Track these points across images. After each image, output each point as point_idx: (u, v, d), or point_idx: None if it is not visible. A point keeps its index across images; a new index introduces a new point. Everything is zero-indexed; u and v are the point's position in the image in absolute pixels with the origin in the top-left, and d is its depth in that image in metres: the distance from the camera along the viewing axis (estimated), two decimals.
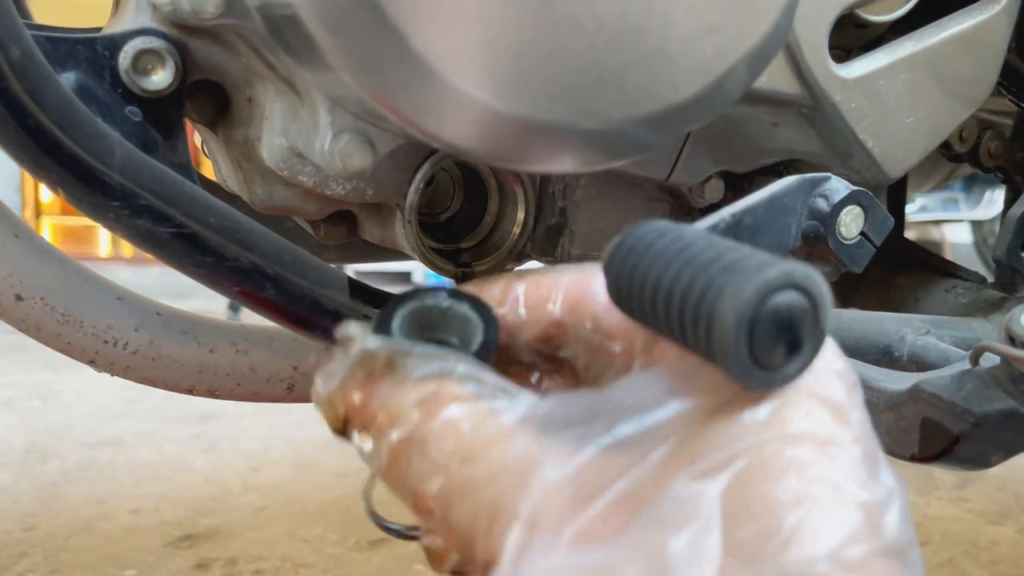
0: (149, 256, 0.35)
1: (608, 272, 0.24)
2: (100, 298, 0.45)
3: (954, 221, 3.29)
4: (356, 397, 0.25)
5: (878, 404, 0.37)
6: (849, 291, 0.53)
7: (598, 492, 0.21)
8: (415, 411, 0.24)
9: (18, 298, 0.43)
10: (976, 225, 3.35)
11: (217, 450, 1.39)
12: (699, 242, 0.22)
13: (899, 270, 0.51)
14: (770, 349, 0.20)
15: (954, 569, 0.96)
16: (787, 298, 0.20)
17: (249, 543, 1.01)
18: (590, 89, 0.27)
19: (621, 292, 0.23)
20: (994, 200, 3.07)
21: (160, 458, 1.34)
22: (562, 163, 0.28)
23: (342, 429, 0.26)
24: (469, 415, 0.23)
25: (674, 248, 0.22)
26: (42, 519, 1.07)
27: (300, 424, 1.56)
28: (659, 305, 0.22)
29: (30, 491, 1.18)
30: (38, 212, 5.07)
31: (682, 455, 0.21)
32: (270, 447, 1.41)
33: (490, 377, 0.25)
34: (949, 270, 0.51)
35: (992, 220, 3.12)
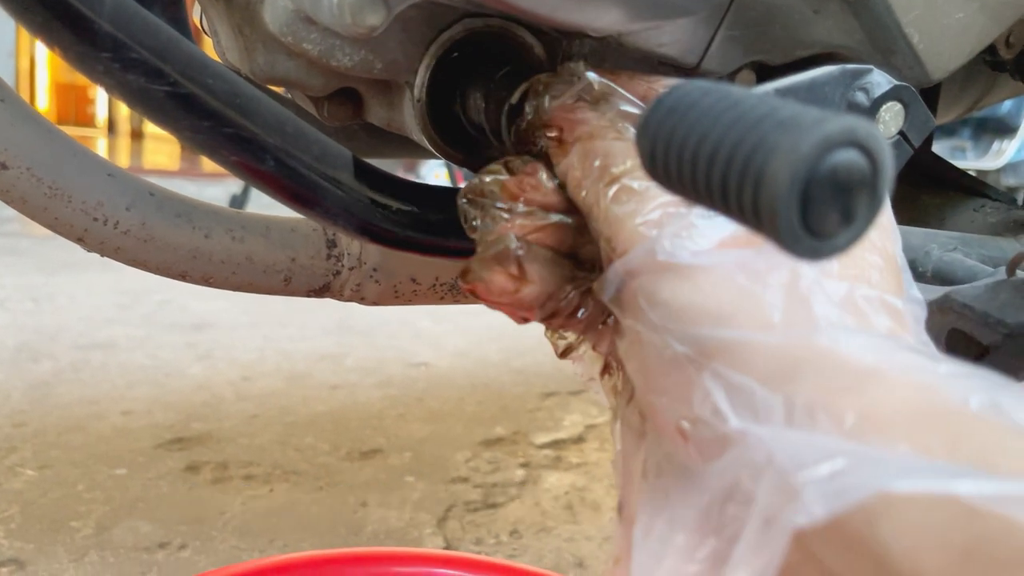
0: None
1: (643, 135, 0.22)
2: (90, 173, 0.43)
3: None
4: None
5: None
6: None
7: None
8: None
9: (3, 167, 0.41)
10: (983, 175, 3.32)
11: (211, 358, 1.38)
12: (749, 99, 0.20)
13: (924, 188, 0.49)
14: (824, 214, 0.18)
15: None
16: (847, 157, 0.18)
17: (240, 449, 1.00)
18: None
19: (657, 156, 0.21)
20: (1002, 150, 3.03)
21: (153, 363, 1.33)
22: (608, 16, 0.26)
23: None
24: None
25: (721, 106, 0.20)
26: (32, 416, 1.07)
27: (295, 337, 1.55)
28: (700, 168, 0.20)
29: (21, 388, 1.17)
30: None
31: None
32: (264, 358, 1.40)
33: None
34: (978, 189, 0.49)
35: (999, 170, 3.09)
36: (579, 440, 1.11)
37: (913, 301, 0.25)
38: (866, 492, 0.18)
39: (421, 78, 0.37)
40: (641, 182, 0.26)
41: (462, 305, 0.54)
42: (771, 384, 0.21)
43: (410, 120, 0.40)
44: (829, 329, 0.22)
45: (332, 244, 0.49)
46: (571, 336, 0.32)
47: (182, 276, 0.46)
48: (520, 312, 0.30)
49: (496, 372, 1.41)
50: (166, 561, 0.75)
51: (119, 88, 0.31)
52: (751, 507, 0.20)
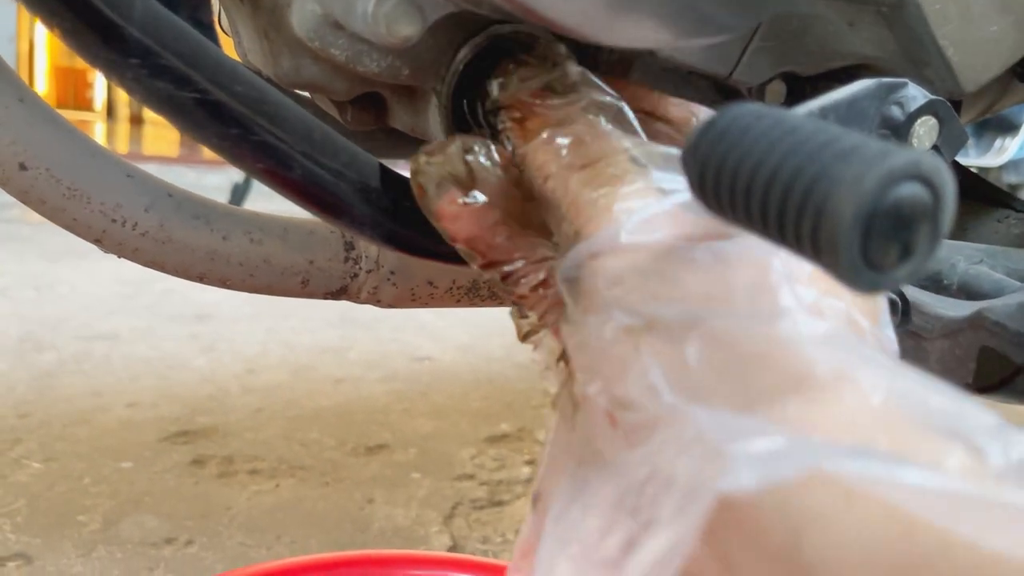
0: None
1: (691, 159, 0.21)
2: (109, 174, 0.43)
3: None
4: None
5: (932, 330, 0.35)
6: None
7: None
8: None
9: (22, 167, 0.40)
10: (984, 172, 3.32)
11: (215, 350, 1.38)
12: (806, 126, 0.19)
13: None
14: (884, 247, 0.18)
15: None
16: (911, 191, 0.18)
17: (246, 443, 1.00)
18: None
19: (706, 182, 0.21)
20: (1004, 148, 3.03)
21: (156, 355, 1.33)
22: (641, 34, 0.25)
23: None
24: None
25: (777, 132, 0.20)
26: (37, 407, 1.06)
27: (298, 329, 1.55)
28: (755, 195, 0.20)
29: (25, 380, 1.17)
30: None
31: None
32: (268, 351, 1.40)
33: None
34: (1001, 199, 0.48)
35: (1000, 167, 3.09)
36: None
37: (886, 328, 0.24)
38: (801, 469, 0.17)
39: (448, 84, 0.36)
40: (616, 168, 0.25)
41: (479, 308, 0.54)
42: (719, 370, 0.20)
43: (435, 126, 0.39)
44: (792, 317, 0.20)
45: (350, 247, 0.49)
46: (533, 317, 0.31)
47: (200, 278, 0.46)
48: (472, 242, 0.30)
49: (500, 367, 1.41)
50: (173, 557, 0.74)
51: (147, 94, 0.30)
52: (673, 484, 0.18)
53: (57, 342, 1.36)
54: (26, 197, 0.41)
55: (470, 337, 1.58)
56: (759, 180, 0.19)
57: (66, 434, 0.99)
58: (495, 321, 1.71)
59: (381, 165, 0.35)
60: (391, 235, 0.35)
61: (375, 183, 0.34)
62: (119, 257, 0.45)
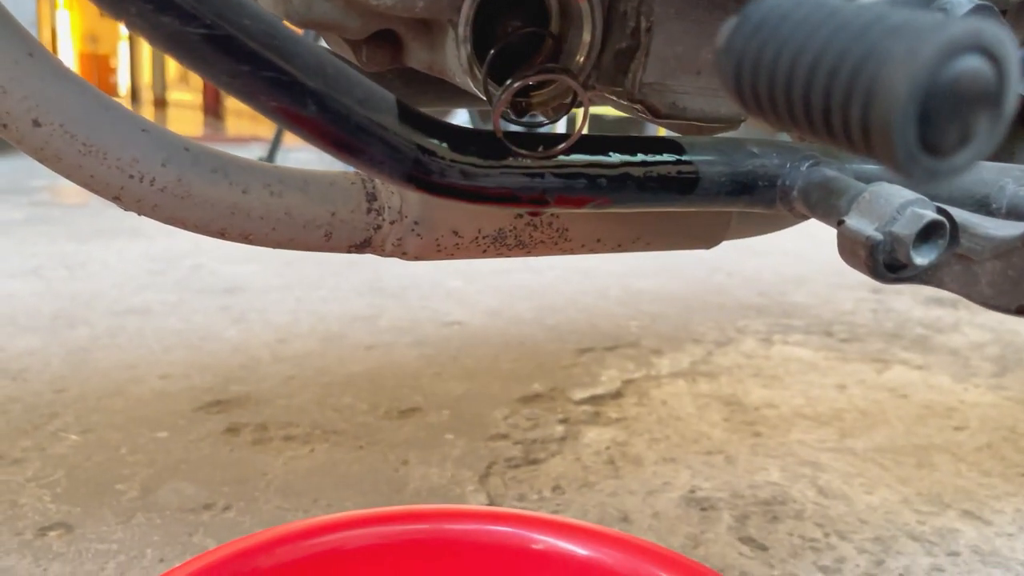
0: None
1: (728, 54, 0.20)
2: (123, 129, 0.42)
3: None
4: None
5: (983, 252, 0.34)
6: None
7: None
8: None
9: (36, 124, 0.40)
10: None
11: (245, 321, 1.38)
12: (849, 7, 0.18)
13: None
14: (943, 130, 0.16)
15: (992, 453, 0.95)
16: (972, 65, 0.16)
17: (279, 410, 1.00)
18: None
19: (744, 78, 0.19)
20: None
21: (188, 327, 1.34)
22: None
23: None
24: None
25: (818, 16, 0.18)
26: (72, 382, 1.07)
27: (327, 299, 1.55)
28: (797, 87, 0.18)
29: (60, 355, 1.18)
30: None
31: None
32: (298, 320, 1.40)
33: None
34: None
35: None
36: (617, 395, 1.10)
37: None
38: None
39: (465, 14, 0.35)
40: None
41: (504, 259, 0.53)
42: None
43: (453, 61, 0.38)
44: None
45: (372, 198, 0.48)
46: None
47: (221, 233, 0.45)
48: None
49: (530, 330, 1.40)
50: (212, 522, 0.75)
51: (152, 32, 0.29)
52: None
53: (90, 318, 1.37)
54: (42, 154, 0.41)
55: (498, 302, 1.57)
56: (800, 69, 0.18)
57: (101, 406, 0.99)
58: (523, 287, 1.70)
59: (399, 101, 0.34)
60: (411, 175, 0.34)
61: (393, 119, 0.33)
62: (139, 215, 0.44)
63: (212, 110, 10.26)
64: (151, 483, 0.81)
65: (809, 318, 1.52)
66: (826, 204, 0.37)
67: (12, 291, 1.55)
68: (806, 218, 0.64)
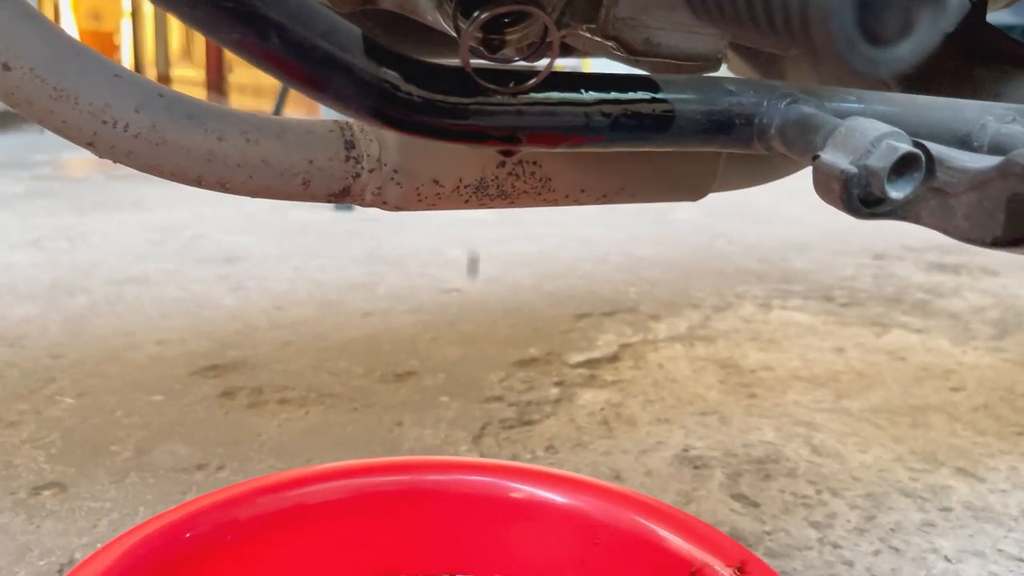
0: None
1: None
2: (95, 73, 0.41)
3: None
4: None
5: (959, 185, 0.33)
6: (916, 88, 0.47)
7: None
8: None
9: (5, 67, 0.39)
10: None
11: (243, 289, 1.38)
12: None
13: (978, 61, 0.46)
14: (883, 17, 0.16)
15: (988, 412, 0.94)
16: None
17: (275, 374, 1.01)
18: None
19: None
20: None
21: (186, 295, 1.34)
22: None
23: None
24: None
25: None
26: (70, 348, 1.08)
27: (326, 267, 1.55)
28: None
29: (58, 322, 1.18)
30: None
31: None
32: (296, 288, 1.40)
33: None
34: None
35: None
36: (613, 359, 1.10)
37: None
38: None
39: None
40: None
41: (489, 209, 0.52)
42: None
43: (425, 1, 0.37)
44: None
45: (350, 145, 0.47)
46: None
47: (197, 181, 0.45)
48: None
49: (528, 296, 1.39)
50: (205, 481, 0.75)
51: None
52: None
53: (89, 287, 1.37)
54: (12, 99, 0.40)
55: (497, 269, 1.57)
56: None
57: (98, 371, 1.00)
58: (523, 254, 1.69)
59: (365, 36, 0.33)
60: (378, 110, 0.34)
61: (359, 53, 0.33)
62: (114, 162, 0.44)
63: (215, 86, 10.23)
64: (145, 444, 0.82)
65: (809, 283, 1.51)
66: (803, 140, 0.36)
67: (12, 262, 1.55)
68: (793, 167, 0.63)
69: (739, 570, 0.43)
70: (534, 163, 0.51)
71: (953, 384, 1.03)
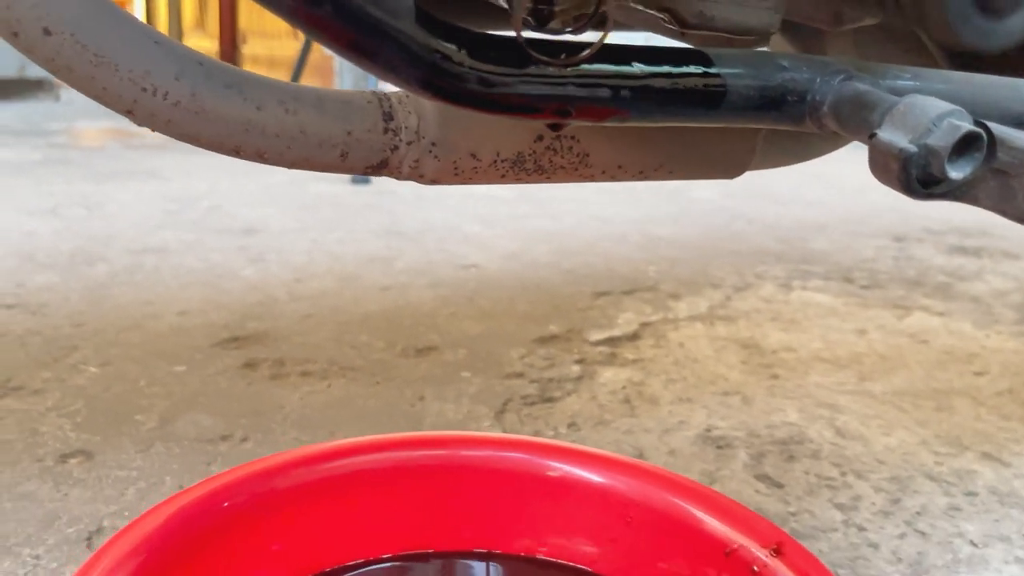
0: None
1: None
2: (136, 40, 0.41)
3: None
4: None
5: (1020, 166, 0.32)
6: (969, 67, 0.46)
7: None
8: None
9: (46, 32, 0.39)
10: None
11: (263, 261, 1.38)
12: None
13: None
14: None
15: (1013, 397, 0.94)
16: None
17: (296, 347, 1.01)
18: None
19: None
20: None
21: (205, 266, 1.34)
22: None
23: None
24: None
25: None
26: (91, 317, 1.08)
27: (344, 240, 1.55)
28: None
29: (78, 291, 1.18)
30: None
31: None
32: (314, 261, 1.40)
33: None
34: None
35: None
36: (634, 337, 1.09)
37: None
38: None
39: None
40: None
41: (525, 184, 0.52)
42: None
43: None
44: None
45: (389, 117, 0.47)
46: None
47: (235, 151, 0.44)
48: None
49: (547, 273, 1.39)
50: (229, 452, 0.75)
51: None
52: None
53: (108, 255, 1.37)
54: (53, 65, 0.40)
55: (516, 246, 1.57)
56: None
57: (120, 340, 1.00)
58: (541, 231, 1.69)
59: (417, 5, 0.33)
60: (427, 80, 0.33)
61: (410, 21, 0.32)
62: (152, 130, 0.43)
63: (228, 56, 10.19)
64: (169, 414, 0.82)
65: (829, 264, 1.50)
66: (857, 118, 0.35)
67: (31, 229, 1.55)
68: (830, 147, 0.62)
69: (775, 551, 0.43)
70: (572, 138, 0.50)
71: (977, 368, 1.02)
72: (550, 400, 0.89)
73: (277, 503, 0.44)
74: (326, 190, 2.07)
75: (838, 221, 1.90)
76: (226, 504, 0.42)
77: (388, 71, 0.32)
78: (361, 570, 0.47)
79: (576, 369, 0.98)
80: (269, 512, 0.44)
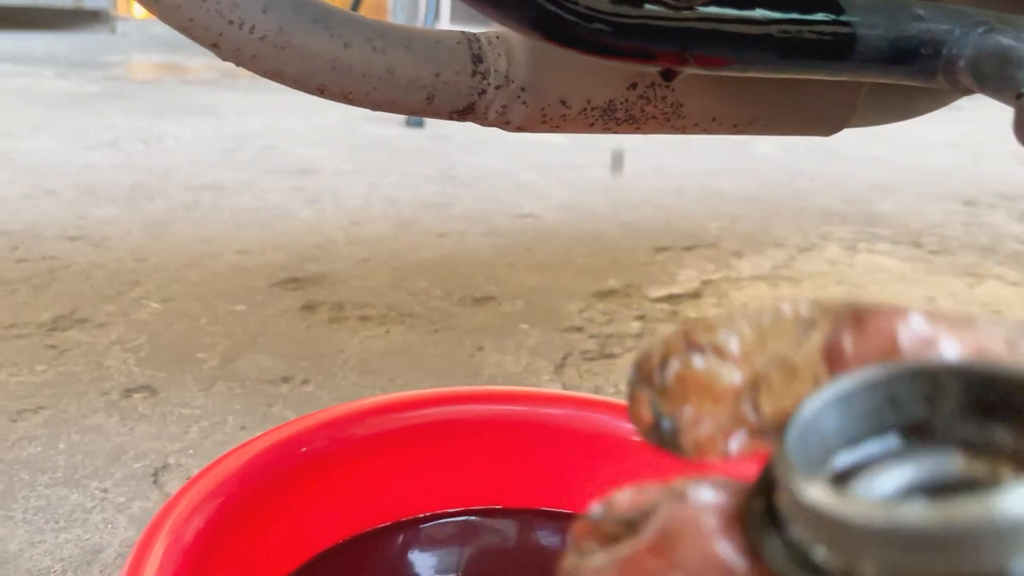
0: None
1: None
2: None
3: None
4: None
5: None
6: None
7: None
8: None
9: None
10: None
11: (319, 203, 1.38)
12: None
13: None
14: None
15: None
16: None
17: (354, 291, 1.00)
18: None
19: None
20: None
21: (262, 206, 1.34)
22: None
23: None
24: None
25: None
26: (151, 252, 1.09)
27: (399, 185, 1.54)
28: None
29: (138, 225, 1.19)
30: None
31: None
32: (370, 204, 1.39)
33: None
34: None
35: None
36: (695, 295, 1.07)
37: None
38: None
39: None
40: None
41: (613, 134, 0.49)
42: None
43: None
44: None
45: (478, 60, 0.45)
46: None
47: (320, 90, 0.43)
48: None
49: (604, 225, 1.37)
50: (290, 394, 0.75)
51: None
52: None
53: (166, 191, 1.38)
54: None
55: (571, 196, 1.54)
56: None
57: (180, 277, 1.00)
58: (597, 181, 1.66)
59: None
60: (540, 22, 0.31)
61: None
62: (237, 65, 0.42)
63: None
64: (230, 354, 0.82)
65: (896, 227, 1.46)
66: (1001, 75, 0.32)
67: (91, 162, 1.56)
68: (934, 105, 0.59)
69: None
70: (666, 87, 0.48)
71: None
72: (610, 356, 0.88)
73: (354, 451, 0.43)
74: (379, 132, 2.05)
75: (903, 183, 1.84)
76: (304, 449, 0.42)
77: (499, 11, 0.30)
78: (432, 523, 0.47)
79: (636, 326, 0.96)
80: (345, 460, 0.43)
